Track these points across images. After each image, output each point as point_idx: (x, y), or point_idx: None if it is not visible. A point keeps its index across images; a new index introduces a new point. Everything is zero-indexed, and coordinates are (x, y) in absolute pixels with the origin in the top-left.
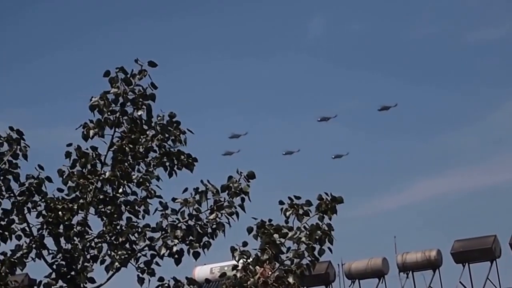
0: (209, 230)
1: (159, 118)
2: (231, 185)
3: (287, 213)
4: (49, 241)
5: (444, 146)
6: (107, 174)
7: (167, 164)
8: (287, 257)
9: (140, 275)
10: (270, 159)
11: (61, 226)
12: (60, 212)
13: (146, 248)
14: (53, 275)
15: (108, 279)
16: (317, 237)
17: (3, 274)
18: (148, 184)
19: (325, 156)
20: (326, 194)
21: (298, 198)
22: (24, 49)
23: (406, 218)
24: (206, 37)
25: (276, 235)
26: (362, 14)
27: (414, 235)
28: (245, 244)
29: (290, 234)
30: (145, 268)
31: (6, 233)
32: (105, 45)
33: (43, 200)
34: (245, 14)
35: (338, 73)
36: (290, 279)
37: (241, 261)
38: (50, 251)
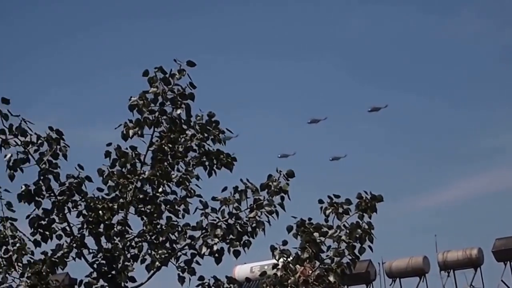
0: (249, 228)
1: (198, 117)
2: (270, 183)
3: (327, 212)
4: (89, 241)
5: (485, 144)
6: (147, 173)
7: (207, 163)
8: (327, 255)
9: (181, 274)
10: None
11: (102, 226)
12: (100, 212)
13: (187, 247)
14: (94, 275)
15: (148, 278)
16: (357, 235)
17: (44, 273)
18: (187, 184)
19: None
20: (366, 192)
21: (337, 196)
22: (66, 50)
23: (446, 216)
24: (242, 36)
25: (316, 234)
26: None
27: (454, 234)
28: (285, 243)
29: (330, 232)
30: (186, 267)
31: (47, 232)
32: (143, 44)
33: (83, 199)
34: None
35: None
36: (331, 278)
37: (281, 260)
38: (91, 251)
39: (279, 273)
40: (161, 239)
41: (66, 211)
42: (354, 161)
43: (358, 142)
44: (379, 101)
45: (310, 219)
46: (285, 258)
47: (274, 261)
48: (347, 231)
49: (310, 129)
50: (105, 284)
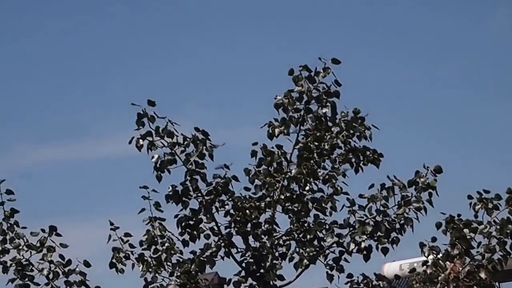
0: (397, 225)
1: (343, 114)
2: (418, 180)
3: (476, 207)
4: (237, 240)
5: None
6: (293, 172)
7: (353, 160)
8: (477, 252)
9: (329, 271)
10: None
11: (249, 225)
12: (247, 211)
13: (334, 244)
14: (242, 273)
15: (297, 276)
16: (508, 231)
17: (193, 272)
18: (334, 181)
19: None
20: None
21: (487, 192)
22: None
23: None
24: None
25: (466, 230)
26: None
27: None
28: (434, 239)
29: (480, 228)
30: (334, 264)
31: (195, 232)
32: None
33: (230, 199)
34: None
35: None
36: (482, 274)
37: (430, 256)
38: (239, 249)
39: (428, 270)
40: (308, 237)
41: (214, 210)
42: None
43: None
44: None
45: (459, 215)
46: (434, 255)
47: (424, 258)
48: (498, 227)
49: None
50: (254, 282)
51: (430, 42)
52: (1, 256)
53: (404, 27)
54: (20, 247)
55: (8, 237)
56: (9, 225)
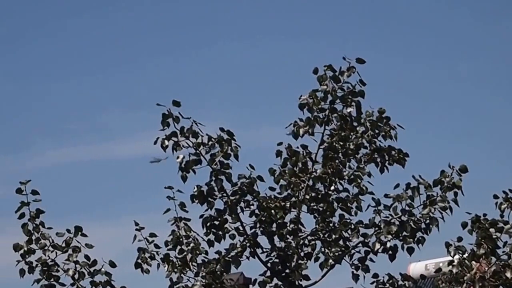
0: (423, 225)
1: (368, 114)
2: (443, 179)
3: (502, 207)
4: (262, 240)
5: None
6: (318, 171)
7: (378, 160)
8: (503, 251)
9: (355, 271)
10: None
11: (274, 225)
12: (272, 211)
13: (360, 244)
14: (268, 273)
15: (322, 276)
16: None
17: (218, 272)
18: (359, 181)
19: None
20: None
21: None
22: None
23: None
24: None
25: (492, 230)
26: None
27: None
28: (460, 239)
29: (506, 228)
30: (359, 264)
31: (220, 232)
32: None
33: (255, 199)
34: None
35: None
36: (508, 274)
37: (456, 256)
38: (264, 249)
39: (454, 270)
40: (334, 237)
41: (239, 211)
42: None
43: None
44: None
45: (485, 214)
46: (460, 255)
47: (449, 258)
48: None
49: None
50: (279, 282)
51: (452, 40)
52: (27, 256)
53: (425, 25)
54: (46, 248)
55: (34, 237)
56: (34, 225)
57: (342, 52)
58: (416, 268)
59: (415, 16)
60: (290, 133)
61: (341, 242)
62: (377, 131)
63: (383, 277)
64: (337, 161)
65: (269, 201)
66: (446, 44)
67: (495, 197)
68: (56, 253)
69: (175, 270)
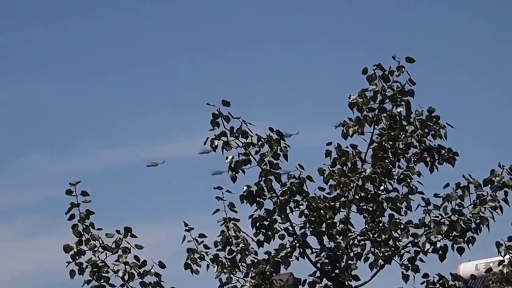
0: (473, 225)
1: (417, 113)
2: (493, 178)
3: None
4: (312, 240)
5: None
6: (368, 171)
7: (428, 159)
8: None
9: (404, 271)
10: None
11: (324, 225)
12: (322, 211)
13: (410, 244)
14: (318, 274)
15: (372, 277)
16: None
17: (268, 273)
18: (409, 180)
19: None
20: None
21: None
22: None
23: None
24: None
25: None
26: None
27: None
28: (510, 238)
29: None
30: (409, 264)
31: (270, 232)
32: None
33: (305, 199)
34: None
35: None
36: None
37: (507, 256)
38: (314, 250)
39: (505, 270)
40: (383, 237)
41: (288, 211)
42: None
43: None
44: None
45: None
46: (511, 254)
47: (500, 257)
48: None
49: None
50: (329, 283)
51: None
52: (77, 257)
53: (474, 28)
54: (96, 249)
55: (84, 238)
56: (84, 226)
57: (392, 52)
58: (467, 268)
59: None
60: (337, 126)
61: (391, 242)
62: (426, 130)
63: (433, 277)
64: (386, 160)
65: (318, 201)
66: (492, 43)
67: None
68: (106, 254)
69: (225, 270)
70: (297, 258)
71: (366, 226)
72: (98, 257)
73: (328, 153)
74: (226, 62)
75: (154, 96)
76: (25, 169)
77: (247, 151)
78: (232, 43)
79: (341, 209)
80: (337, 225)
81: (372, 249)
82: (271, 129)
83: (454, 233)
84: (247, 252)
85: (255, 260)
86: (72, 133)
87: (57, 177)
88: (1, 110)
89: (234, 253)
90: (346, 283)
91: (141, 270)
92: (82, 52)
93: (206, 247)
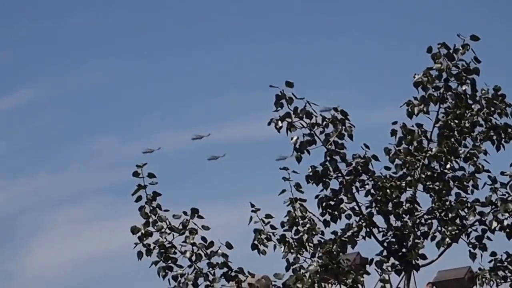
0: None
1: (483, 91)
2: None
3: None
4: (378, 219)
5: None
6: (434, 150)
7: (494, 137)
8: None
9: (472, 250)
10: None
11: (390, 204)
12: (388, 190)
13: (477, 223)
14: (384, 253)
15: (439, 255)
16: None
17: (335, 253)
18: (475, 159)
19: None
20: None
21: None
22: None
23: None
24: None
25: None
26: None
27: None
28: None
29: None
30: (477, 243)
31: (336, 212)
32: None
33: (370, 178)
34: None
35: None
36: None
37: None
38: (380, 229)
39: None
40: (450, 215)
41: (354, 190)
42: None
43: None
44: None
45: None
46: None
47: None
48: None
49: None
50: (396, 262)
51: None
52: (145, 239)
53: None
54: (163, 230)
55: (151, 220)
56: (151, 208)
57: (456, 31)
58: None
59: None
60: (402, 105)
61: (457, 221)
62: (492, 109)
63: (501, 255)
64: (452, 139)
65: (384, 180)
66: None
67: None
68: (173, 235)
69: (292, 251)
70: (363, 238)
71: (433, 205)
72: (165, 238)
73: (393, 132)
74: (292, 42)
75: (222, 79)
76: (95, 152)
77: (312, 132)
78: (298, 25)
79: (407, 188)
80: (404, 204)
81: (439, 228)
82: (335, 109)
83: None
84: (313, 232)
85: (322, 240)
86: (138, 114)
87: (123, 160)
88: (77, 84)
89: (301, 233)
90: (413, 262)
91: (208, 251)
92: (153, 33)
93: (273, 227)
